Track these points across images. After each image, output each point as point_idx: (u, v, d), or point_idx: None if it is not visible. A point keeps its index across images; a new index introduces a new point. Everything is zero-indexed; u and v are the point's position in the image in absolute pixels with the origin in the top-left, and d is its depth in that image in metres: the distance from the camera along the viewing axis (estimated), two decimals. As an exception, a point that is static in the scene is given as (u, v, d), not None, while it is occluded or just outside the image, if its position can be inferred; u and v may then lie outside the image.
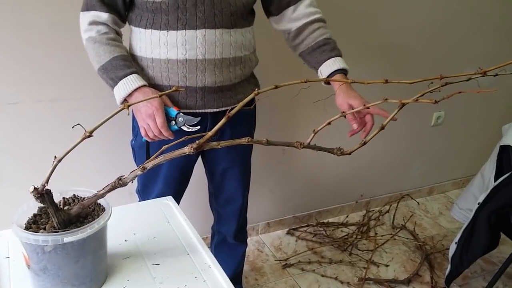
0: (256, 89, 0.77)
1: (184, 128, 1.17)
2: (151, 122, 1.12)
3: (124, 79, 1.12)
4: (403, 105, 0.79)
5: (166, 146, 0.94)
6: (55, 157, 0.70)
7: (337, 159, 2.32)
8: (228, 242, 1.61)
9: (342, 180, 2.35)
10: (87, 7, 1.14)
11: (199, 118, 1.17)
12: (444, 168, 2.73)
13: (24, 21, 1.39)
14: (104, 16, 1.13)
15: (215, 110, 1.25)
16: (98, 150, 1.66)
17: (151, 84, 1.20)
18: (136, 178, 1.39)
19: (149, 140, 1.20)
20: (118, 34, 1.20)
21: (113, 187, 0.78)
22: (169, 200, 1.19)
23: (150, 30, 1.17)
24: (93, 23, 1.14)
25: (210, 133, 0.78)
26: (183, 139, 1.00)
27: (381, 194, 2.54)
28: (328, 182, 2.31)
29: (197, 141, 0.78)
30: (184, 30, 1.14)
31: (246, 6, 1.20)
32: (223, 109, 1.26)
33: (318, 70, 1.28)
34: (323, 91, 1.20)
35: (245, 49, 1.24)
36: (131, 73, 1.13)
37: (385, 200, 2.56)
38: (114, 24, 1.16)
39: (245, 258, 1.98)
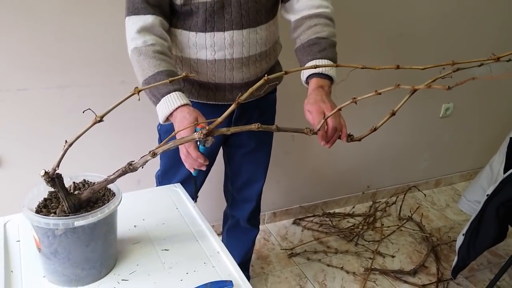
0: (266, 75, 0.77)
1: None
2: (185, 154, 1.04)
3: (166, 97, 1.05)
4: (415, 90, 0.77)
5: (176, 131, 0.94)
6: (66, 141, 0.71)
7: (343, 150, 2.33)
8: (241, 226, 1.63)
9: (349, 171, 2.34)
10: (132, 11, 1.08)
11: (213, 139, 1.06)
12: (452, 160, 2.71)
13: (34, 7, 1.38)
14: (150, 19, 1.08)
15: (243, 102, 1.26)
16: (109, 136, 1.67)
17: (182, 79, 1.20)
18: (159, 163, 1.42)
19: (192, 171, 1.11)
20: (167, 42, 1.12)
21: (123, 172, 0.79)
22: (177, 187, 1.20)
23: (180, 30, 1.17)
24: (141, 30, 1.08)
25: (219, 119, 0.78)
26: (194, 124, 1.00)
27: (387, 186, 2.53)
28: (335, 173, 2.31)
29: (207, 127, 0.77)
30: (213, 32, 1.14)
31: (270, 0, 1.19)
32: (249, 100, 1.29)
33: (301, 73, 1.17)
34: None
35: (270, 41, 1.25)
36: (174, 90, 1.05)
37: (392, 191, 2.55)
38: (161, 28, 1.10)
39: (253, 246, 2.00)
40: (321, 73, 1.11)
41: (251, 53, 1.20)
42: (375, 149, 2.35)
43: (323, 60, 1.12)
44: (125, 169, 0.78)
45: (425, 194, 2.64)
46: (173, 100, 1.05)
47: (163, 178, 1.41)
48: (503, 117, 2.65)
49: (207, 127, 0.77)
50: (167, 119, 1.07)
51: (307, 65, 1.13)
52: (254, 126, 0.78)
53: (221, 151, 1.49)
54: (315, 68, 0.87)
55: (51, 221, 0.73)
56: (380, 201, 2.50)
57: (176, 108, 1.04)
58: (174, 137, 0.81)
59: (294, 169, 2.18)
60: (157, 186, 1.44)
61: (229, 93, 1.25)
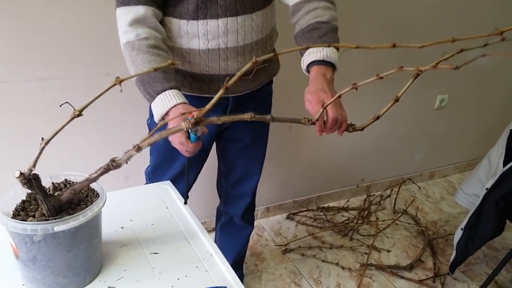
0: (254, 58, 0.70)
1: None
2: (177, 146, 1.00)
3: (162, 94, 0.99)
4: (419, 73, 0.71)
5: (163, 122, 0.88)
6: (43, 139, 0.64)
7: (338, 142, 2.29)
8: (235, 223, 1.57)
9: (343, 164, 2.30)
10: (122, 2, 1.02)
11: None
12: (446, 152, 2.69)
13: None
14: (142, 10, 1.01)
15: (237, 94, 1.22)
16: (92, 131, 1.59)
17: (174, 69, 1.13)
18: (149, 159, 1.35)
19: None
20: (161, 34, 1.06)
21: (106, 169, 0.72)
22: (167, 184, 1.14)
23: (170, 18, 1.08)
24: (133, 22, 1.01)
25: (208, 107, 0.72)
26: (180, 115, 0.93)
27: (382, 178, 2.50)
28: (329, 166, 2.26)
29: (194, 115, 0.71)
30: (206, 20, 1.07)
31: None
32: (245, 92, 1.22)
33: (301, 60, 1.11)
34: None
35: (266, 29, 1.18)
36: (170, 88, 1.00)
37: (386, 184, 2.52)
38: (154, 19, 1.04)
39: (246, 243, 1.94)
40: (323, 60, 1.04)
41: (247, 42, 1.13)
42: (370, 141, 2.31)
43: (326, 49, 1.05)
44: (108, 166, 0.72)
45: (419, 187, 2.61)
46: (169, 98, 0.99)
47: (153, 175, 1.34)
48: (498, 108, 2.62)
49: (195, 116, 0.71)
50: (162, 118, 1.01)
51: (306, 53, 1.07)
52: (247, 116, 0.72)
53: (214, 146, 1.43)
54: (306, 48, 0.80)
55: (28, 227, 0.67)
56: (374, 194, 2.46)
57: (172, 106, 0.98)
58: (161, 129, 0.74)
59: (288, 162, 2.13)
60: (146, 183, 1.38)
61: (223, 84, 1.17)
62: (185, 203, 1.05)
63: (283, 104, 1.57)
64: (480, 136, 2.70)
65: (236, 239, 1.61)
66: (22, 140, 1.48)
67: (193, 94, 1.19)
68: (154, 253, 0.86)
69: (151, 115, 1.26)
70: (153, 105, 1.01)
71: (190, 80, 1.18)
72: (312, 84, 1.02)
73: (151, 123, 1.30)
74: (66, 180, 0.81)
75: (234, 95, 1.22)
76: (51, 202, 0.71)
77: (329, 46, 1.02)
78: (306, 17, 1.10)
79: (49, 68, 1.43)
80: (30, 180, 0.67)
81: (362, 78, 0.69)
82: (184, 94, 1.14)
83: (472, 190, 1.78)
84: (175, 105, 0.98)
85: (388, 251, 2.02)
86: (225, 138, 1.37)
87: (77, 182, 0.80)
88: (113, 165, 0.69)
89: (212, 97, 1.17)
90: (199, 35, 1.09)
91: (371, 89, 2.09)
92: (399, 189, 2.46)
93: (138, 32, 1.01)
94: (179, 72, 1.18)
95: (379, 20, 1.98)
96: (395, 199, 2.40)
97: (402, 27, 2.05)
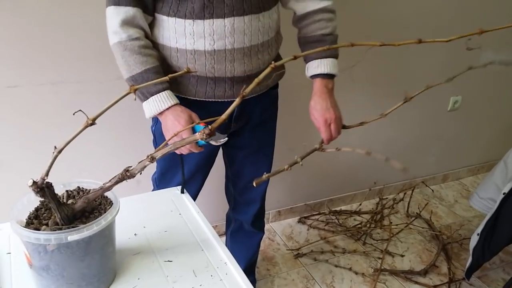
0: (273, 62, 0.69)
1: (212, 142, 1.08)
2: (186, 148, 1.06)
3: (155, 96, 1.04)
4: (408, 100, 0.69)
5: (176, 131, 0.87)
6: (55, 147, 0.63)
7: (348, 145, 2.24)
8: (245, 229, 1.55)
9: (355, 166, 2.27)
10: (113, 2, 1.03)
11: (226, 137, 1.07)
12: (459, 155, 2.64)
13: (21, 0, 1.30)
14: (131, 11, 1.03)
15: (245, 97, 1.18)
16: (104, 136, 1.59)
17: (175, 71, 1.11)
18: (156, 165, 1.34)
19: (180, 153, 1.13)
20: (148, 34, 1.09)
21: (120, 179, 0.71)
22: (179, 190, 1.12)
23: (174, 18, 1.07)
24: (124, 23, 1.03)
25: (223, 116, 0.70)
26: (194, 124, 0.94)
27: (394, 182, 2.46)
28: (340, 169, 2.23)
29: (209, 126, 0.69)
30: (212, 19, 1.05)
31: None
32: (251, 96, 1.20)
33: (306, 66, 1.22)
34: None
35: (272, 31, 1.17)
36: (163, 90, 1.05)
37: (399, 187, 2.48)
38: (143, 20, 1.06)
39: (257, 248, 1.93)
40: (325, 74, 1.18)
41: (253, 43, 1.12)
42: (382, 144, 2.27)
43: (326, 59, 1.18)
44: (122, 175, 0.71)
45: (432, 190, 2.57)
46: (163, 100, 1.05)
47: (160, 181, 1.33)
48: (510, 110, 2.58)
49: (209, 127, 0.69)
50: (155, 116, 1.08)
51: (312, 64, 1.19)
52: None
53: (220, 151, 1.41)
54: (323, 50, 0.80)
55: (41, 236, 0.66)
56: (387, 198, 2.43)
57: (168, 108, 1.05)
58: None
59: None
60: (154, 190, 1.36)
61: (229, 88, 1.16)
62: (182, 192, 1.12)
63: (291, 107, 1.56)
64: (495, 138, 2.65)
65: (247, 245, 1.59)
66: (35, 144, 1.48)
67: (198, 99, 1.17)
68: (168, 261, 0.85)
69: (156, 121, 1.27)
70: (145, 104, 1.07)
71: (195, 84, 1.16)
72: (317, 99, 1.18)
73: (155, 129, 1.28)
74: (79, 187, 0.80)
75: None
76: (64, 210, 0.70)
77: (352, 46, 0.99)
78: (311, 27, 1.19)
79: (60, 72, 1.43)
80: (43, 188, 0.66)
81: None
82: (188, 99, 1.17)
83: (487, 194, 1.74)
84: (169, 107, 1.05)
85: (402, 256, 1.98)
86: (231, 144, 1.34)
87: (89, 190, 0.79)
88: (127, 175, 0.68)
89: (218, 102, 1.17)
90: (205, 35, 1.07)
91: (369, 91, 2.06)
92: (412, 192, 2.43)
93: (130, 33, 1.04)
94: (183, 76, 1.15)
95: (388, 24, 1.96)
96: (408, 203, 2.36)
97: (409, 28, 2.01)
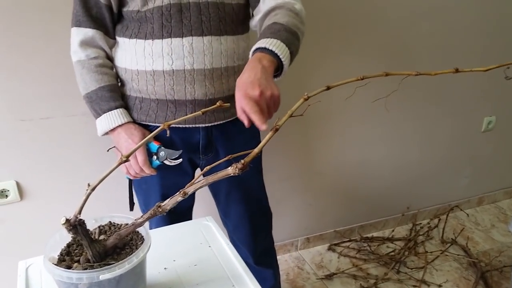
0: (306, 94, 0.66)
1: (166, 162, 1.11)
2: (132, 160, 1.07)
3: (108, 113, 1.09)
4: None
5: (209, 166, 0.82)
6: (89, 184, 0.63)
7: (378, 169, 2.21)
8: (253, 267, 1.40)
9: (386, 191, 2.21)
10: (75, 23, 1.09)
11: (181, 151, 1.09)
12: (495, 176, 2.54)
13: (56, 33, 1.34)
14: (90, 33, 1.08)
15: (207, 125, 1.15)
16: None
17: (138, 97, 1.13)
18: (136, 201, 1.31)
19: (131, 178, 1.16)
20: (108, 55, 1.14)
21: (152, 215, 0.70)
22: (209, 220, 1.11)
23: (134, 39, 1.08)
24: (83, 43, 1.09)
25: (256, 150, 0.67)
26: (227, 158, 0.86)
27: (428, 206, 2.38)
28: (371, 194, 2.18)
29: (242, 160, 0.66)
30: (170, 39, 1.05)
31: (236, 10, 1.10)
32: (216, 123, 1.15)
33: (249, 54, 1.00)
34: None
35: (239, 58, 1.13)
36: (116, 107, 1.09)
37: (433, 212, 2.40)
38: (103, 41, 1.10)
39: (285, 276, 1.88)
40: (264, 48, 0.94)
41: (215, 66, 1.08)
42: (412, 166, 2.21)
43: (273, 40, 0.95)
44: (154, 211, 0.70)
45: (467, 214, 2.47)
46: (116, 117, 1.09)
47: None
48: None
49: (242, 161, 0.67)
50: (106, 133, 1.11)
51: (254, 47, 0.96)
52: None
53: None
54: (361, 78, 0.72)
55: (74, 275, 0.65)
56: (421, 223, 2.34)
57: (121, 125, 1.08)
58: (206, 174, 0.71)
59: (327, 190, 2.06)
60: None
61: (190, 112, 1.10)
62: (131, 209, 1.21)
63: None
64: (532, 159, 2.55)
65: (261, 282, 1.49)
66: (67, 174, 1.50)
67: (158, 124, 1.14)
68: (199, 297, 0.83)
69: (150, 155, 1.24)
70: (98, 121, 1.10)
71: (155, 108, 1.12)
72: (244, 71, 0.90)
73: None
74: (110, 222, 0.79)
75: (203, 125, 1.14)
76: (96, 248, 0.70)
77: (386, 75, 0.86)
78: (265, 23, 1.05)
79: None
80: (76, 226, 0.66)
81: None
82: (149, 125, 1.15)
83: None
84: (122, 124, 1.08)
85: (440, 286, 1.89)
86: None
87: (121, 225, 0.78)
88: (159, 210, 0.67)
89: (179, 128, 1.12)
90: (163, 54, 1.06)
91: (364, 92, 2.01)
92: (447, 217, 2.34)
93: (87, 52, 1.09)
94: (144, 101, 1.13)
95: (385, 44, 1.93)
96: (443, 228, 2.27)
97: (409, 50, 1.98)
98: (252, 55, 0.96)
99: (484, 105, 2.25)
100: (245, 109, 0.84)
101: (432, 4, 1.88)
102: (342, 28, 1.76)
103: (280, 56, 0.94)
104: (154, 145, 1.11)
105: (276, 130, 0.64)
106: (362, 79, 0.66)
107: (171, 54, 1.06)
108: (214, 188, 1.33)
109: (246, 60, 1.09)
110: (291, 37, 1.00)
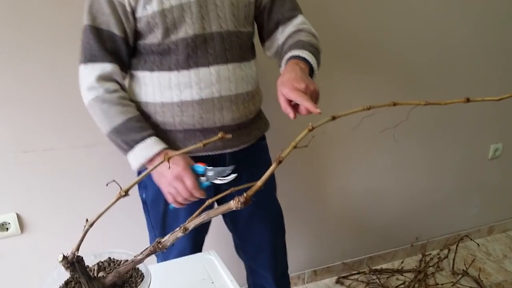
0: (311, 124, 0.64)
1: (217, 182, 1.06)
2: (179, 185, 1.01)
3: (142, 143, 1.03)
4: None
5: (210, 200, 0.80)
6: (87, 220, 0.61)
7: (385, 199, 2.17)
8: None
9: (394, 221, 2.16)
10: (89, 59, 1.04)
11: (233, 166, 1.05)
12: (505, 205, 2.49)
13: (58, 64, 1.35)
14: (108, 67, 1.04)
15: (233, 149, 1.17)
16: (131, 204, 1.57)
17: (162, 129, 1.11)
18: (148, 236, 1.27)
19: (177, 206, 1.08)
20: (125, 89, 1.10)
21: (151, 251, 0.67)
22: (212, 255, 1.07)
23: (157, 72, 1.07)
24: (100, 79, 1.04)
25: (259, 183, 0.64)
26: (227, 192, 0.83)
27: (437, 236, 2.32)
28: (378, 225, 2.13)
29: (244, 194, 0.64)
30: (197, 68, 1.06)
31: (249, 37, 1.16)
32: (241, 147, 1.18)
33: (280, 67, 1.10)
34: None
35: (254, 82, 1.18)
36: (149, 136, 1.04)
37: (442, 242, 2.34)
38: (119, 76, 1.07)
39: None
40: (297, 56, 1.05)
41: (239, 91, 1.11)
42: (421, 195, 2.17)
43: (303, 50, 1.06)
44: (154, 248, 0.67)
45: (478, 244, 2.40)
46: (152, 145, 1.03)
47: (165, 253, 1.22)
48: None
49: (245, 194, 0.64)
50: (143, 165, 1.04)
51: (287, 56, 1.07)
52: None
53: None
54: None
55: (70, 316, 0.62)
56: (430, 254, 2.28)
57: (159, 152, 1.02)
58: (207, 208, 0.69)
59: (334, 221, 2.02)
60: (158, 261, 1.28)
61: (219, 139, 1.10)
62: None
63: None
64: (542, 187, 2.50)
65: None
66: (68, 205, 1.49)
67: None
68: (202, 337, 0.79)
69: (144, 187, 1.22)
70: (130, 154, 1.04)
71: (182, 139, 1.12)
72: (284, 73, 0.99)
73: (146, 197, 1.23)
74: (110, 258, 0.77)
75: (230, 150, 1.16)
76: (94, 286, 0.67)
77: (394, 105, 0.87)
78: (288, 43, 1.12)
79: (94, 135, 1.45)
80: (73, 263, 0.63)
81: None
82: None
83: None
84: (160, 151, 1.02)
85: (452, 319, 1.83)
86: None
87: (120, 261, 0.76)
88: (159, 247, 0.65)
89: (205, 156, 1.12)
90: (192, 84, 1.06)
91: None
92: (457, 247, 2.27)
93: (107, 86, 1.04)
94: (168, 133, 1.12)
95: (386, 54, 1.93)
96: (453, 259, 2.20)
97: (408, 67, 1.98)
98: (286, 63, 1.05)
99: (490, 132, 2.23)
100: (296, 99, 0.90)
101: (439, 29, 1.90)
102: (347, 56, 1.77)
103: (311, 63, 1.05)
104: (200, 166, 1.06)
105: (280, 162, 0.62)
106: (368, 109, 0.65)
107: (200, 84, 1.07)
108: (232, 213, 1.31)
109: (257, 85, 1.19)
110: (316, 51, 1.09)
